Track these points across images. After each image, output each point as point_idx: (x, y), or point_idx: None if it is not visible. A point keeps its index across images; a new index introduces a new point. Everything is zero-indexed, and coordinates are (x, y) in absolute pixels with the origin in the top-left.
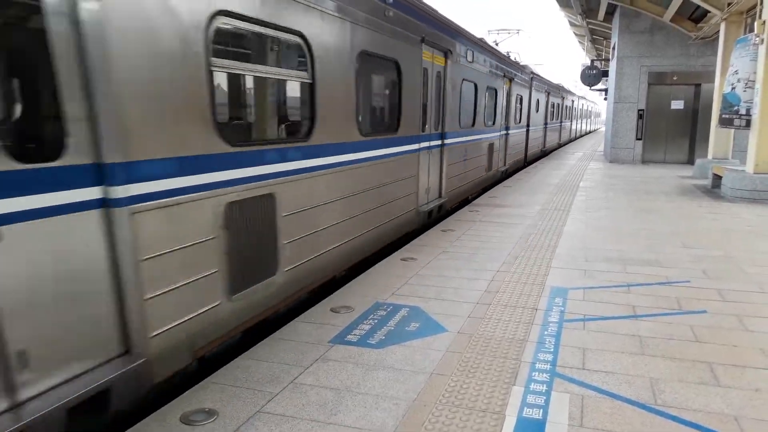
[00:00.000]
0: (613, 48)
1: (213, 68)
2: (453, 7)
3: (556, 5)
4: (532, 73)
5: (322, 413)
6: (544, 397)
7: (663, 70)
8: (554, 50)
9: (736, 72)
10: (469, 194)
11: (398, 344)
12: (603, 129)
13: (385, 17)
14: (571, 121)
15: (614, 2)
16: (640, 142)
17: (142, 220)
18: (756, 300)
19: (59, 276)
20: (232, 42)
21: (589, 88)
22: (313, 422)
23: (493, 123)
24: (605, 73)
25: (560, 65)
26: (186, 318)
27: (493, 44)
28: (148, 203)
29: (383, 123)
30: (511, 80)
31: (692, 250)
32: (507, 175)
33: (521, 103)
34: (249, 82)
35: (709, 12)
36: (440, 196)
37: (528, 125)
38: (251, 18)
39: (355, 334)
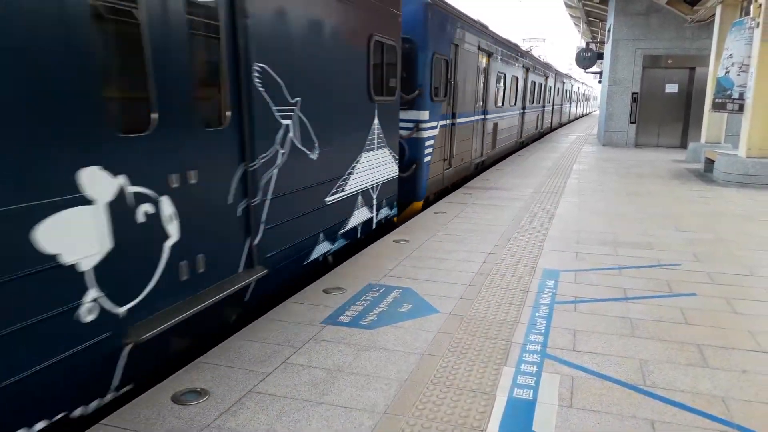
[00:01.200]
0: (609, 30)
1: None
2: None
3: None
4: (549, 66)
5: (314, 393)
6: (535, 378)
7: (658, 54)
8: (549, 30)
9: (731, 56)
10: (498, 156)
11: (390, 325)
12: (597, 112)
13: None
14: (571, 104)
15: None
16: (634, 125)
17: None
18: (745, 283)
19: None
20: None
21: (584, 70)
22: (305, 402)
23: (515, 104)
24: (600, 56)
25: (555, 47)
26: None
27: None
28: None
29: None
30: (528, 70)
31: (684, 234)
32: (523, 145)
33: (536, 88)
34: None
35: None
36: (481, 155)
37: (543, 105)
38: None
39: (347, 315)
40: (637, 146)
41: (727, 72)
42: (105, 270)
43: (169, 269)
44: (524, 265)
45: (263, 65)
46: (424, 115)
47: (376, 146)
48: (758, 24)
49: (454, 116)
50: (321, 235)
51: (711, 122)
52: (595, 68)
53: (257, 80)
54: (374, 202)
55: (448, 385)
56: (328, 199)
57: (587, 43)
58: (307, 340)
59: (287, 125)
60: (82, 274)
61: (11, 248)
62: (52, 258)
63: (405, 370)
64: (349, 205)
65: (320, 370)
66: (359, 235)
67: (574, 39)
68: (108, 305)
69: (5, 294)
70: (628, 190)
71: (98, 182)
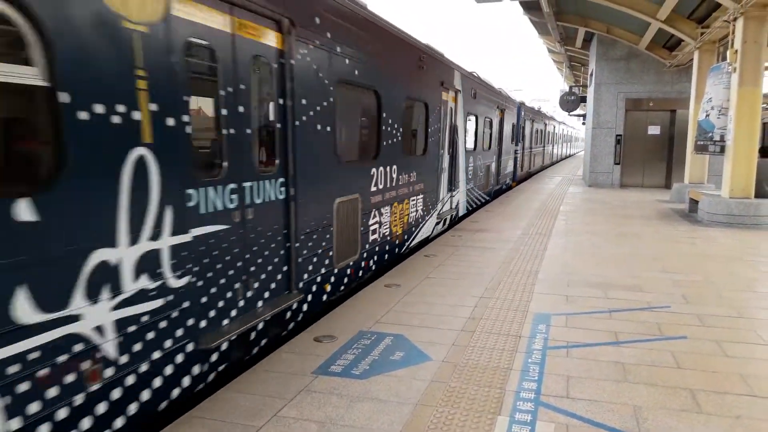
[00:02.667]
0: (591, 74)
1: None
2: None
3: (536, 32)
4: (543, 113)
5: None
6: (529, 427)
7: (639, 97)
8: (533, 75)
9: (710, 99)
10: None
11: (383, 374)
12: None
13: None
14: (562, 144)
15: (591, 30)
16: (619, 166)
17: None
18: (734, 325)
19: None
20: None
21: (567, 113)
22: None
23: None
24: (583, 99)
25: (538, 90)
26: None
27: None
28: None
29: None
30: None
31: (672, 275)
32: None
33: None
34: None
35: (683, 41)
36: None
37: (540, 146)
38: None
39: (338, 365)
40: (622, 186)
41: (708, 115)
42: None
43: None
44: (515, 309)
45: None
46: None
47: None
48: (735, 69)
49: None
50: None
51: (694, 163)
52: (578, 110)
53: None
54: None
55: None
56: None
57: (570, 87)
58: (298, 392)
59: None
60: None
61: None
62: None
63: (398, 421)
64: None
65: (312, 423)
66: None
67: (558, 83)
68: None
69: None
70: (615, 232)
71: None
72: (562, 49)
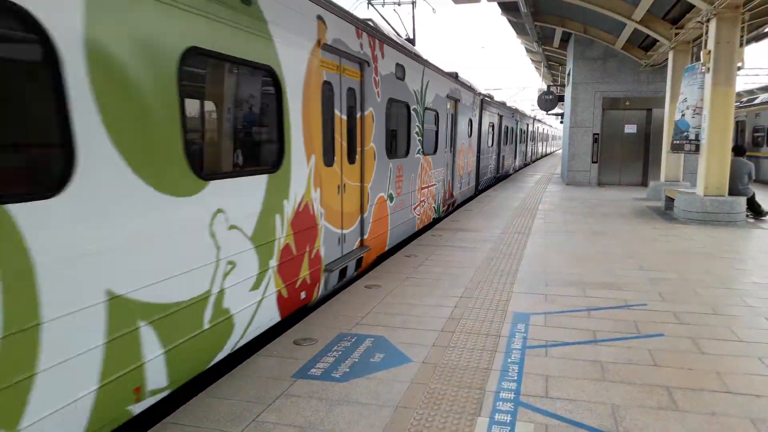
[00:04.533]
0: (569, 74)
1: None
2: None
3: (513, 32)
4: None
5: None
6: (509, 428)
7: (616, 96)
8: (511, 74)
9: (685, 100)
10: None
11: (363, 377)
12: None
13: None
14: (541, 142)
15: (569, 30)
16: (596, 165)
17: None
18: (710, 322)
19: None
20: None
21: (545, 112)
22: None
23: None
24: (561, 98)
25: (516, 89)
26: None
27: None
28: None
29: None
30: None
31: (648, 273)
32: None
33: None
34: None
35: (658, 41)
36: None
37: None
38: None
39: (318, 368)
40: (599, 185)
41: (683, 115)
42: None
43: None
44: (495, 309)
45: None
46: None
47: None
48: (708, 69)
49: None
50: None
51: (669, 161)
52: (556, 109)
53: None
54: None
55: None
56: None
57: (548, 86)
58: (277, 396)
59: None
60: None
61: None
62: None
63: (379, 425)
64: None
65: (292, 428)
66: None
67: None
68: None
69: None
70: (593, 230)
71: None
72: (539, 49)
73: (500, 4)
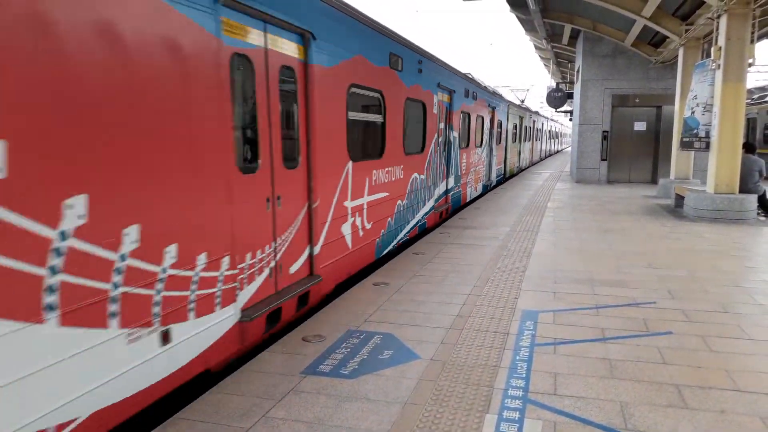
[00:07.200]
0: (578, 71)
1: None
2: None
3: (522, 29)
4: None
5: None
6: (517, 425)
7: (625, 93)
8: (520, 71)
9: (696, 96)
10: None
11: (371, 373)
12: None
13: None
14: (554, 139)
15: (578, 27)
16: (605, 162)
17: None
18: (719, 320)
19: None
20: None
21: (554, 110)
22: None
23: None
24: (570, 96)
25: (525, 86)
26: None
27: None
28: None
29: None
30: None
31: (657, 270)
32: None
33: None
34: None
35: (668, 38)
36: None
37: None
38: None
39: (327, 364)
40: (609, 182)
41: (693, 112)
42: None
43: None
44: (503, 307)
45: None
46: None
47: None
48: (719, 66)
49: None
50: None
51: (679, 159)
52: (565, 107)
53: None
54: None
55: None
56: None
57: (557, 84)
58: (286, 392)
59: None
60: None
61: None
62: None
63: (387, 421)
64: None
65: (301, 424)
66: None
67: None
68: None
69: None
70: (602, 228)
71: None
72: (548, 45)
73: (509, 1)
